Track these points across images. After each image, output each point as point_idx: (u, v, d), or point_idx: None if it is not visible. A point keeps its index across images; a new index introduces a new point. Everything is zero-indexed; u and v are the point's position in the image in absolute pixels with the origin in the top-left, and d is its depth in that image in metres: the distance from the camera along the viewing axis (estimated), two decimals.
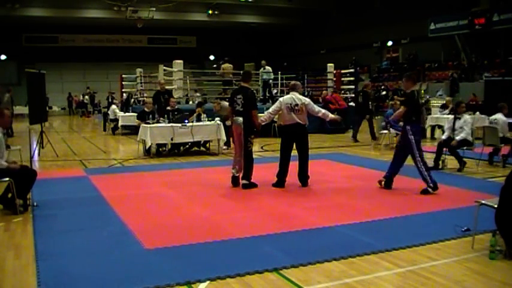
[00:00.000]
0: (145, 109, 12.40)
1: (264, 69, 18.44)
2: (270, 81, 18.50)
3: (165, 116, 11.28)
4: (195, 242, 4.82)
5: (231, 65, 18.89)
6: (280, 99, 7.66)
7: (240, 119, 7.45)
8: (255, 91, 7.97)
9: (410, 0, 26.82)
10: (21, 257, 4.53)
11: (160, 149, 11.45)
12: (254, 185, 7.55)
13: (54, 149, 11.61)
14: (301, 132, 7.58)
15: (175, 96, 16.83)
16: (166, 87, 16.56)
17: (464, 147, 8.94)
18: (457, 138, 8.80)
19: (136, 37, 37.12)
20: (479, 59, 24.70)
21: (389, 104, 13.66)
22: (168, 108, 11.95)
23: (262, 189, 7.44)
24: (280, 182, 7.54)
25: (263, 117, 7.79)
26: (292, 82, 8.09)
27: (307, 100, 7.66)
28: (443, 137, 9.39)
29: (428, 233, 5.08)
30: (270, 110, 7.78)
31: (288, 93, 7.88)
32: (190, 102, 19.59)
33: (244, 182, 7.49)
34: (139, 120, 12.03)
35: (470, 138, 9.00)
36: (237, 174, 7.64)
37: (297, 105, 7.42)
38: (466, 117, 9.14)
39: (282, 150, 7.61)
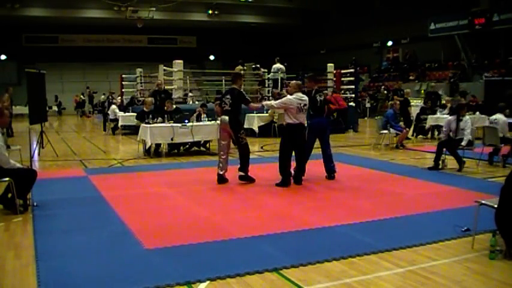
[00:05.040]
0: (145, 109, 12.35)
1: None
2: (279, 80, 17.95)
3: (165, 116, 11.27)
4: (195, 242, 4.82)
5: (239, 67, 18.87)
6: (290, 97, 7.58)
7: (227, 117, 7.73)
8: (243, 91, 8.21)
9: (410, 0, 26.84)
10: (21, 257, 4.52)
11: (159, 149, 11.42)
12: (251, 179, 7.76)
13: (54, 149, 11.61)
14: (304, 132, 7.73)
15: (175, 96, 16.86)
16: (166, 87, 16.57)
17: (465, 148, 8.94)
18: (463, 143, 8.82)
19: (136, 37, 37.13)
20: (479, 59, 24.70)
21: (389, 104, 13.63)
22: (166, 108, 11.93)
23: (262, 189, 7.45)
24: (285, 182, 7.52)
25: (266, 102, 8.14)
26: (297, 82, 8.01)
27: (307, 99, 7.79)
28: (443, 137, 9.40)
29: (428, 233, 5.08)
30: (276, 103, 7.83)
31: (291, 93, 7.81)
32: (190, 102, 19.57)
33: (241, 173, 7.77)
34: (138, 120, 12.01)
35: (471, 138, 9.01)
36: (222, 172, 7.87)
37: (305, 105, 7.54)
38: (466, 117, 9.15)
39: (285, 150, 7.60)
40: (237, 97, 7.72)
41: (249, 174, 7.80)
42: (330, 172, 8.17)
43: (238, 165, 7.85)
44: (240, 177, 7.79)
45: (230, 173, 7.97)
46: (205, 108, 12.32)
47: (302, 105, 7.47)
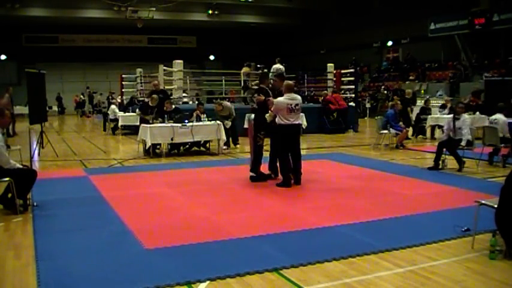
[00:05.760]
0: (150, 103, 12.29)
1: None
2: None
3: (165, 116, 11.28)
4: (195, 242, 4.82)
5: (247, 68, 18.83)
6: (279, 99, 7.52)
7: (252, 115, 7.93)
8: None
9: (410, 0, 26.82)
10: (21, 257, 4.52)
11: (157, 150, 11.40)
12: (262, 179, 7.87)
13: (54, 149, 11.61)
14: (298, 131, 7.78)
15: (175, 96, 16.85)
16: (167, 87, 16.56)
17: (465, 147, 8.94)
18: (463, 143, 8.83)
19: (136, 37, 37.12)
20: (479, 59, 24.70)
21: (389, 105, 13.63)
22: (165, 109, 11.94)
23: (262, 189, 7.45)
24: (287, 182, 7.51)
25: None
26: (288, 82, 7.95)
27: (300, 98, 7.87)
28: (444, 137, 9.40)
29: (428, 233, 5.08)
30: (272, 109, 7.78)
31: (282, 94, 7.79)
32: (190, 102, 19.55)
33: (252, 174, 7.89)
34: (140, 111, 11.99)
35: (470, 137, 9.00)
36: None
37: (297, 105, 7.50)
38: (465, 116, 9.13)
39: (284, 150, 7.60)
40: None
41: (261, 171, 7.94)
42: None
43: (237, 166, 7.90)
44: (251, 178, 7.87)
45: (230, 173, 7.98)
46: (202, 107, 12.32)
47: (293, 105, 7.42)
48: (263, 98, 7.77)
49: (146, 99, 13.43)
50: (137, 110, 12.81)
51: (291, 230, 5.19)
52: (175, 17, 33.15)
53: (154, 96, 12.38)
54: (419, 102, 17.31)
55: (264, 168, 8.10)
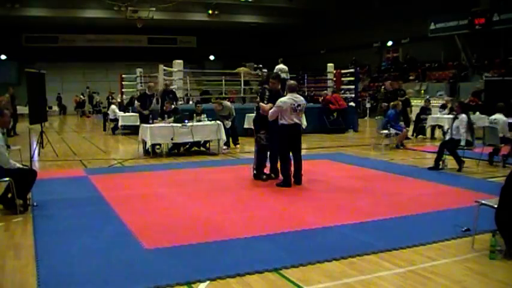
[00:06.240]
0: (147, 91, 12.18)
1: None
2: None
3: (165, 116, 11.29)
4: (195, 242, 4.82)
5: (245, 68, 18.83)
6: (282, 99, 7.46)
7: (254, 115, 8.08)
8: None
9: (410, 0, 26.82)
10: (21, 257, 4.52)
11: (157, 150, 11.40)
12: (262, 178, 7.94)
13: (54, 149, 11.61)
14: (299, 131, 7.73)
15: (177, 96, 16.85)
16: None
17: (465, 147, 8.94)
18: (462, 143, 8.81)
19: (136, 37, 37.09)
20: (479, 59, 24.69)
21: (390, 105, 13.62)
22: (165, 108, 11.96)
23: (262, 189, 7.45)
24: (287, 182, 7.52)
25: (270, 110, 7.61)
26: (292, 82, 7.97)
27: (304, 101, 7.82)
28: (447, 137, 9.39)
29: (428, 233, 5.08)
30: (271, 111, 7.60)
31: (280, 95, 7.77)
32: (190, 102, 19.53)
33: (254, 172, 8.05)
34: (139, 102, 12.03)
35: (469, 138, 8.99)
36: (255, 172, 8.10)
37: (299, 105, 7.47)
38: (462, 116, 9.10)
39: (284, 150, 7.60)
40: (260, 95, 8.03)
41: (261, 171, 8.02)
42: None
43: (237, 166, 7.92)
44: (254, 176, 8.01)
45: (230, 173, 7.98)
46: (200, 106, 12.34)
47: (296, 105, 7.40)
48: (258, 100, 7.91)
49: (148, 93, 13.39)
50: (135, 101, 12.80)
51: (291, 230, 5.19)
52: (175, 17, 33.12)
53: (151, 84, 12.36)
54: (419, 102, 17.32)
55: (267, 168, 8.12)
